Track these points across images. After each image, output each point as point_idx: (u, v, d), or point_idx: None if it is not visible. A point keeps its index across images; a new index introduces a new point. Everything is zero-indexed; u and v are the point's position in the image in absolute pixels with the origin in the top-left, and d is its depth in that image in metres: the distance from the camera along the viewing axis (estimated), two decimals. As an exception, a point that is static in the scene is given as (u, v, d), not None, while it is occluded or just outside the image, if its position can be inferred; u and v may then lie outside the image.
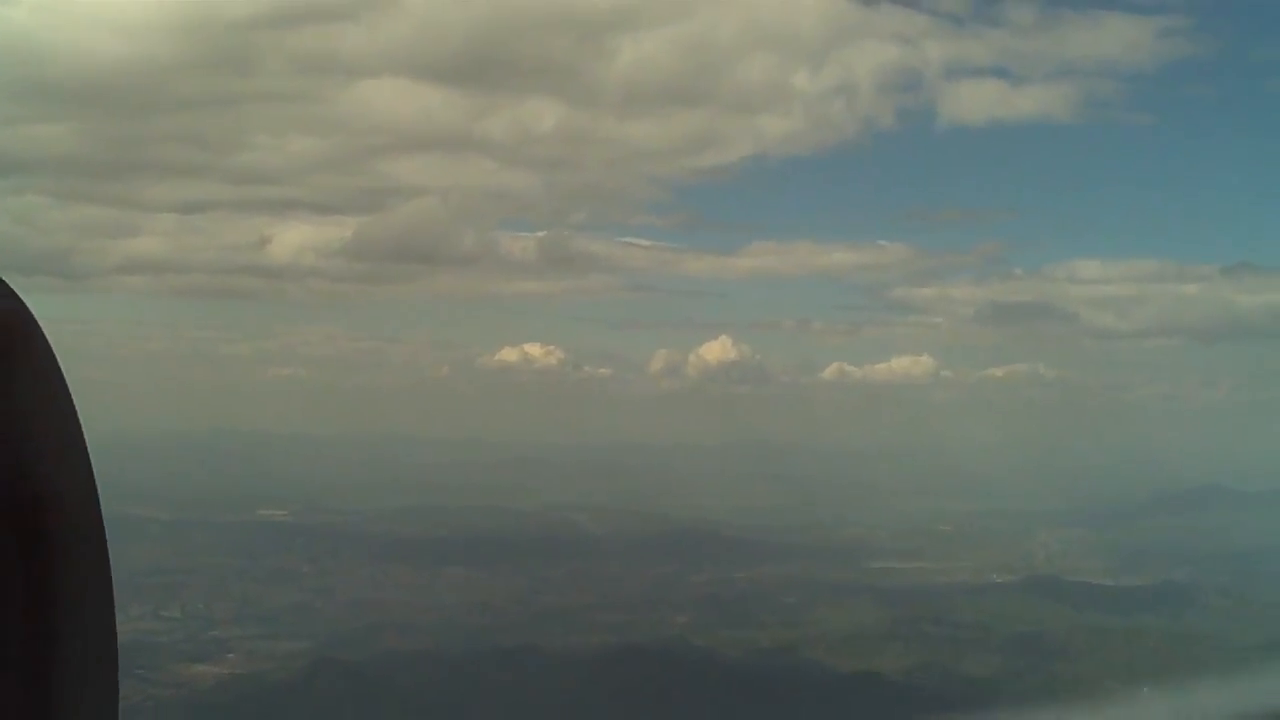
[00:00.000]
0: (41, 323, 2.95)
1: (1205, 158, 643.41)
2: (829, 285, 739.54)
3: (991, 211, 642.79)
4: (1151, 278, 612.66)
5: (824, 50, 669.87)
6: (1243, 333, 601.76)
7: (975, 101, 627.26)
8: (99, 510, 2.99)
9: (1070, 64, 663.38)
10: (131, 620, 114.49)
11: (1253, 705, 10.21)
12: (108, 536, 3.06)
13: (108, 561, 2.98)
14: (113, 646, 3.05)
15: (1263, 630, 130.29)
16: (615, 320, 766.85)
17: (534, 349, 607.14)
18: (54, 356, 2.88)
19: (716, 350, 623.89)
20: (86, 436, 3.01)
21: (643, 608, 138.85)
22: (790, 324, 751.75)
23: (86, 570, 2.92)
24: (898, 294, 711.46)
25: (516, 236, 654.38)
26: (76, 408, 2.94)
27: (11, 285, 2.92)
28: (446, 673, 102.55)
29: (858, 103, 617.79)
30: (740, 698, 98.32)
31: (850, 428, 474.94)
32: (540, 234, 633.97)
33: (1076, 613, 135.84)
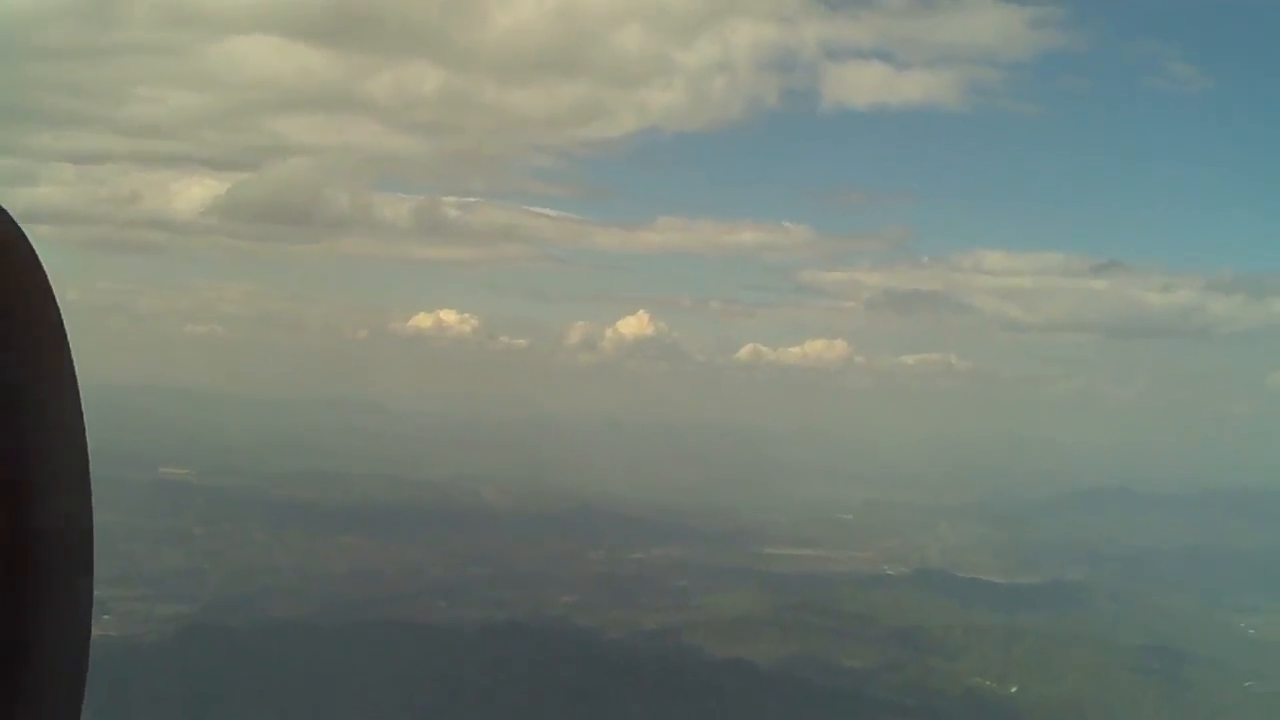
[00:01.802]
0: None
1: (1090, 151, 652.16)
2: (738, 264, 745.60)
3: (890, 196, 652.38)
4: (1056, 271, 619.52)
5: (699, 26, 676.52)
6: (1153, 331, 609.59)
7: (860, 84, 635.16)
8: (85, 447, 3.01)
9: (950, 50, 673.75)
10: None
11: None
12: None
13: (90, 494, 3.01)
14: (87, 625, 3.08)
15: (1143, 633, 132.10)
16: (528, 290, 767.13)
17: (449, 316, 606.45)
18: (46, 279, 2.91)
19: (633, 325, 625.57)
20: None
21: (534, 584, 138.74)
22: (704, 302, 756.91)
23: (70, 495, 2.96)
24: (807, 276, 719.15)
25: (422, 200, 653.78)
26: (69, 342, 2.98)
27: None
28: (321, 642, 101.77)
29: (741, 80, 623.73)
30: (611, 679, 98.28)
31: (763, 410, 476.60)
32: (448, 199, 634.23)
33: (963, 608, 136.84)
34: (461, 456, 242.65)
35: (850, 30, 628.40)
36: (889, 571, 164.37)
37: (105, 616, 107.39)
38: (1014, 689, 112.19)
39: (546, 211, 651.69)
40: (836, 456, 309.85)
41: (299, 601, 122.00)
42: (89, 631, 3.01)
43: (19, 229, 2.80)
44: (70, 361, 2.89)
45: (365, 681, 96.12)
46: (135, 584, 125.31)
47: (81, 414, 2.91)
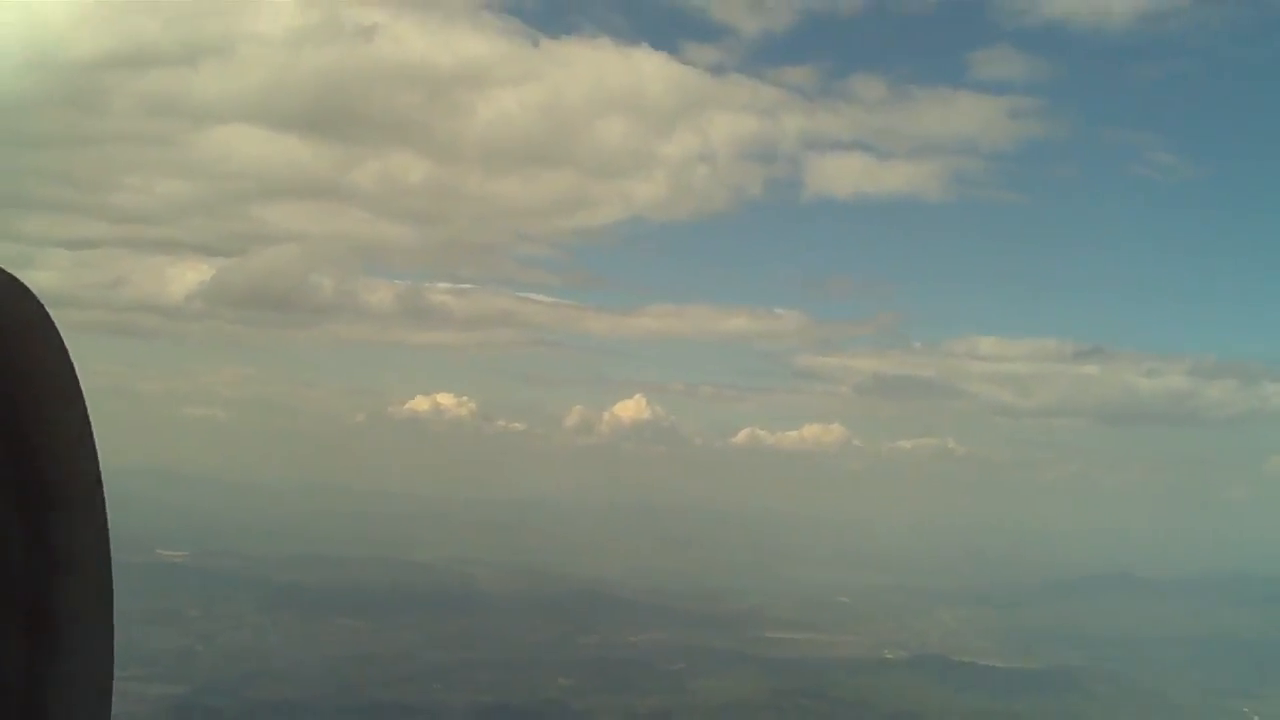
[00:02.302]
0: None
1: (1075, 238, 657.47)
2: (731, 349, 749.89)
3: (879, 283, 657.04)
4: (1045, 357, 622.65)
5: (679, 118, 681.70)
6: (1144, 416, 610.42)
7: (841, 174, 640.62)
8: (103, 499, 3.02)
9: (931, 141, 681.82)
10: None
11: None
12: None
13: (107, 532, 3.01)
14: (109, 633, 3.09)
15: (1139, 717, 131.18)
16: (524, 374, 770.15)
17: (446, 399, 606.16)
18: (61, 342, 2.91)
19: (631, 409, 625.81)
20: None
21: (528, 667, 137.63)
22: (700, 386, 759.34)
23: (87, 533, 2.96)
24: (801, 361, 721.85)
25: (414, 286, 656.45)
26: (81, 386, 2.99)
27: None
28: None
29: (722, 171, 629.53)
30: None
31: (761, 493, 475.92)
32: (441, 285, 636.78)
33: (957, 693, 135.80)
34: (458, 539, 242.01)
35: (829, 122, 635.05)
36: (887, 656, 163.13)
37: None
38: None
39: (539, 298, 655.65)
40: (835, 540, 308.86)
41: (290, 684, 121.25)
42: (110, 686, 3.04)
43: (39, 304, 2.83)
44: (91, 436, 2.91)
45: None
46: (128, 664, 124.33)
47: (101, 487, 2.94)
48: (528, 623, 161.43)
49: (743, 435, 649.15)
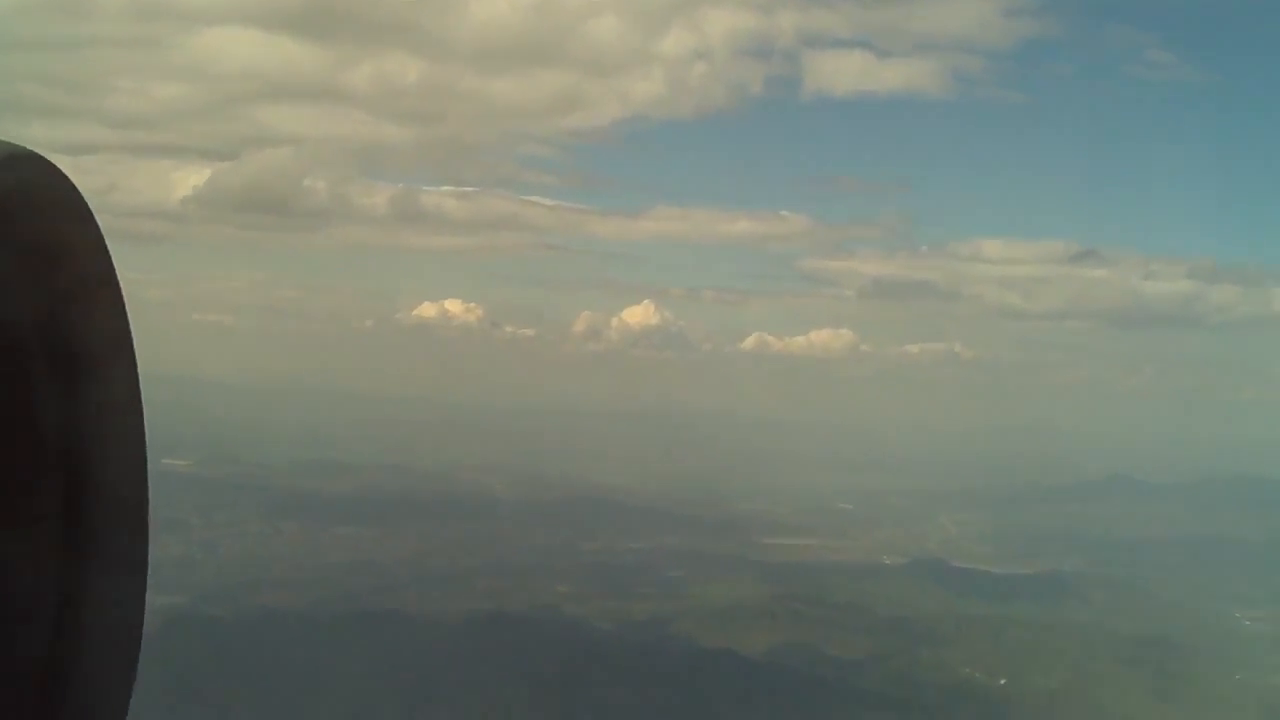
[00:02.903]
0: None
1: (1077, 138, 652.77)
2: (738, 252, 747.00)
3: (884, 184, 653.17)
4: (1050, 259, 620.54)
5: (673, 14, 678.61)
6: (1152, 319, 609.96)
7: (841, 72, 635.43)
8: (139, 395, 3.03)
9: (929, 39, 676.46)
10: None
11: None
12: None
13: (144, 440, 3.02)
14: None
15: (1137, 623, 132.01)
16: (529, 279, 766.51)
17: (454, 305, 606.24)
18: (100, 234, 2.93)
19: (639, 314, 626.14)
20: None
21: (527, 574, 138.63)
22: (708, 291, 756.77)
23: (124, 438, 2.97)
24: (808, 265, 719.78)
25: (417, 190, 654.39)
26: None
27: None
28: (306, 632, 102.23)
29: (721, 69, 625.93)
30: (595, 669, 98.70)
31: (769, 398, 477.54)
32: (445, 188, 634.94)
33: (956, 598, 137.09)
34: (466, 446, 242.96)
35: (826, 19, 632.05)
36: (885, 561, 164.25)
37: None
38: (1003, 680, 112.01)
39: (542, 200, 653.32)
40: (840, 445, 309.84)
41: (289, 591, 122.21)
42: (143, 599, 3.05)
43: (73, 185, 2.85)
44: (126, 319, 2.94)
45: (344, 672, 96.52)
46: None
47: (137, 375, 2.97)
48: (531, 530, 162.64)
49: (750, 340, 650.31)
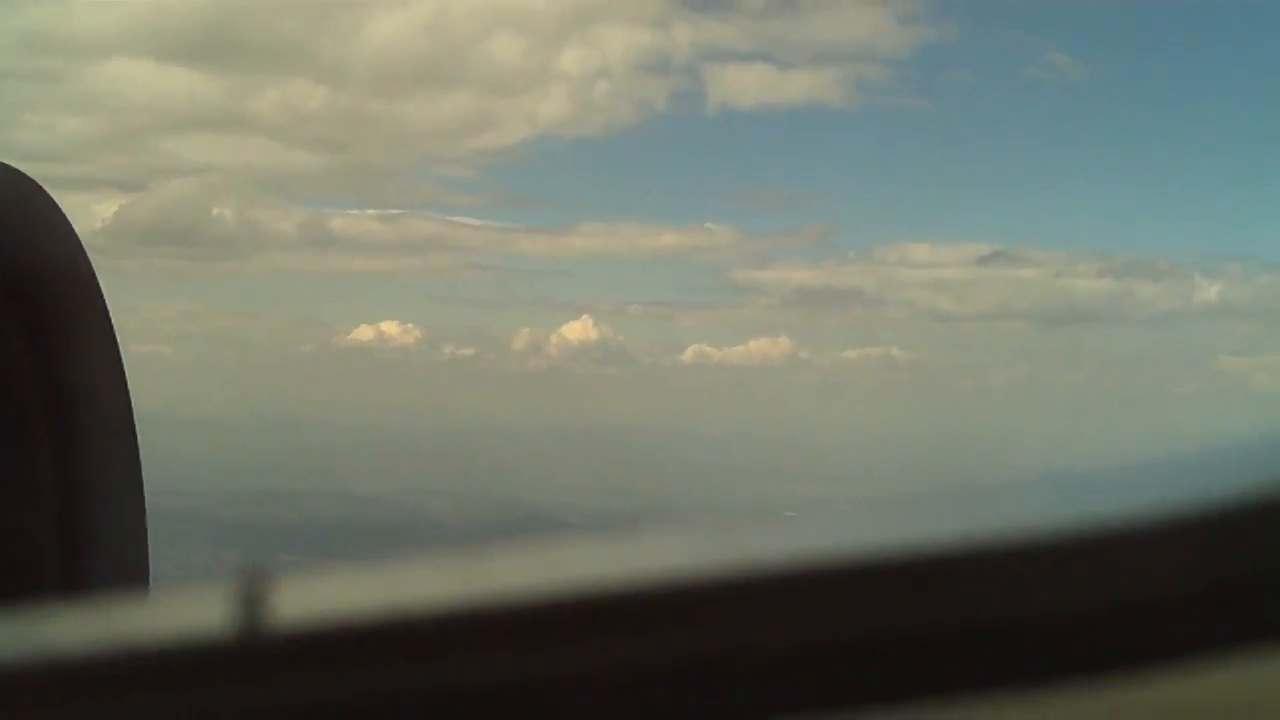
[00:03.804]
0: None
1: (985, 141, 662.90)
2: (668, 265, 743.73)
3: (803, 194, 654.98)
4: (976, 261, 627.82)
5: (568, 33, 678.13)
6: (1079, 316, 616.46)
7: (744, 85, 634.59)
8: (128, 399, 3.28)
9: (828, 50, 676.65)
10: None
11: None
12: None
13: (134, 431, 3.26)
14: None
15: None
16: (464, 299, 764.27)
17: (391, 328, 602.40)
18: (79, 244, 3.13)
19: (578, 330, 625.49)
20: None
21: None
22: (643, 305, 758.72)
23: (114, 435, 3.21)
24: (739, 276, 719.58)
25: (341, 214, 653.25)
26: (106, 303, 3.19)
27: None
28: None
29: (623, 86, 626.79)
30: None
31: (711, 410, 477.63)
32: (370, 212, 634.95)
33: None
34: (408, 469, 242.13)
35: (722, 32, 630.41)
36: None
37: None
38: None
39: (467, 220, 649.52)
40: (784, 453, 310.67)
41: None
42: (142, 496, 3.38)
43: (50, 198, 3.07)
44: (110, 327, 3.15)
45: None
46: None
47: (125, 380, 3.34)
48: (474, 550, 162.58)
49: (690, 352, 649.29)
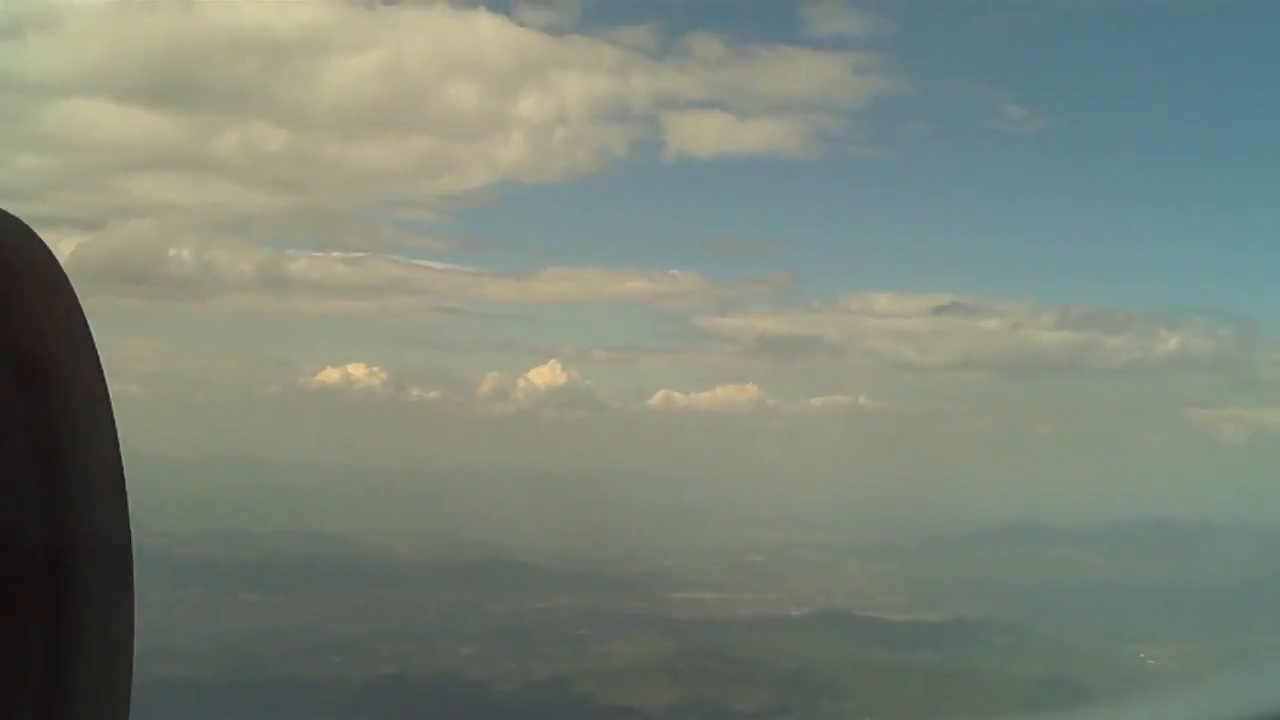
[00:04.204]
0: None
1: (949, 192, 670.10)
2: (633, 312, 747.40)
3: (765, 243, 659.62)
4: (940, 311, 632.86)
5: (527, 80, 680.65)
6: (1048, 368, 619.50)
7: (703, 134, 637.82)
8: (120, 460, 3.01)
9: (786, 99, 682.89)
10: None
11: None
12: None
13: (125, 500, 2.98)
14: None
15: (1039, 667, 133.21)
16: (430, 342, 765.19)
17: (357, 370, 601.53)
18: (75, 297, 2.87)
19: (546, 375, 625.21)
20: None
21: (432, 638, 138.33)
22: (609, 350, 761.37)
23: (106, 501, 2.94)
24: (705, 323, 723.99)
25: (307, 256, 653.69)
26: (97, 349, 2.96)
27: None
28: (204, 703, 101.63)
29: (582, 133, 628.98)
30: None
31: (679, 455, 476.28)
32: (333, 254, 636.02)
33: (859, 648, 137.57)
34: (374, 510, 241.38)
35: (679, 81, 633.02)
36: (793, 613, 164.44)
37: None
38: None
39: (432, 264, 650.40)
40: (751, 499, 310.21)
41: (188, 661, 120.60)
42: (132, 647, 3.08)
43: (48, 249, 2.82)
44: (100, 369, 2.94)
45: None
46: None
47: (114, 423, 3.01)
48: (438, 593, 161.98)
49: (658, 397, 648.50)
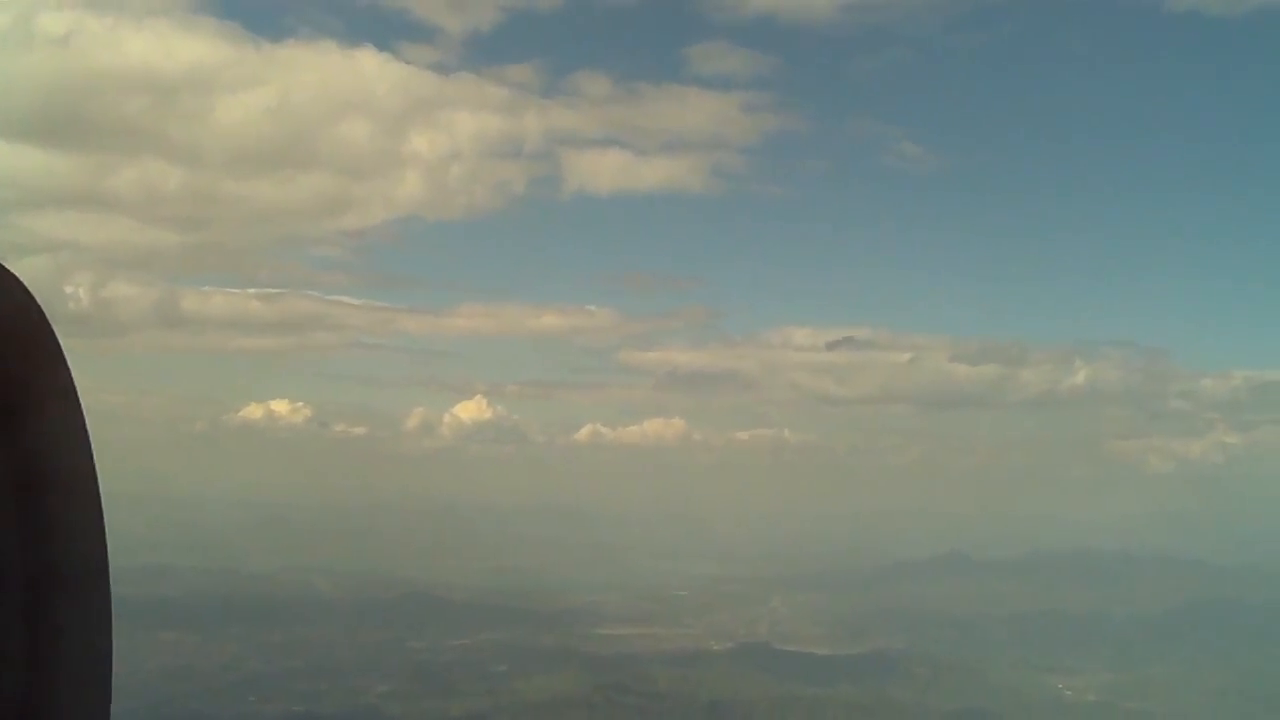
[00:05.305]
0: None
1: (851, 228, 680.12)
2: (553, 347, 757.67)
3: (677, 278, 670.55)
4: (848, 345, 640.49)
5: (418, 118, 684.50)
6: (966, 401, 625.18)
7: (602, 171, 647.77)
8: (98, 495, 3.05)
9: (682, 137, 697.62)
10: None
11: None
12: None
13: (104, 539, 3.02)
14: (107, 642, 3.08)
15: (956, 698, 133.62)
16: (351, 377, 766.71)
17: (280, 406, 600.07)
18: (57, 341, 2.91)
19: (472, 410, 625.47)
20: None
21: (349, 675, 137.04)
22: (533, 385, 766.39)
23: (84, 548, 2.97)
24: (625, 357, 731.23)
25: (222, 293, 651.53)
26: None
27: None
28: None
29: (478, 170, 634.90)
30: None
31: (605, 489, 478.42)
32: (249, 291, 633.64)
33: (778, 681, 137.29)
34: (296, 547, 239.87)
35: (570, 119, 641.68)
36: (714, 647, 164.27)
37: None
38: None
39: (350, 300, 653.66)
40: (678, 533, 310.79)
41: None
42: (110, 677, 3.04)
43: (31, 295, 2.83)
44: (82, 418, 2.93)
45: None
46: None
47: (95, 470, 2.96)
48: (357, 629, 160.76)
49: (584, 432, 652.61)
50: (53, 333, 3.03)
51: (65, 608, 3.10)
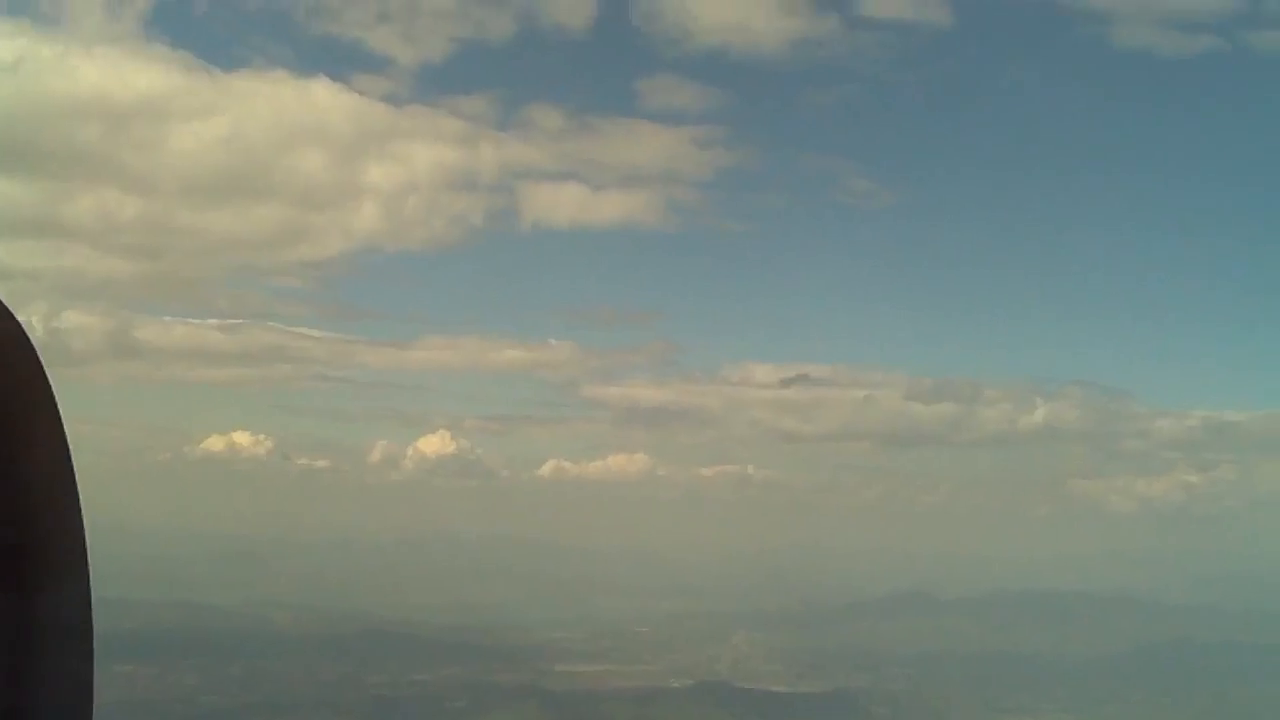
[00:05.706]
0: None
1: (810, 263, 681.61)
2: (515, 381, 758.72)
3: (638, 313, 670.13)
4: (824, 382, 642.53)
5: (372, 149, 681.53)
6: (927, 438, 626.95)
7: (559, 204, 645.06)
8: (82, 530, 3.06)
9: (638, 171, 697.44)
10: None
11: None
12: None
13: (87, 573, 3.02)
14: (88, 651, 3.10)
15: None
16: (313, 409, 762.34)
17: (242, 438, 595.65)
18: (44, 373, 2.93)
19: (435, 443, 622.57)
20: None
21: (306, 710, 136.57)
22: (495, 420, 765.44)
23: (67, 579, 2.98)
24: (588, 392, 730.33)
25: (183, 323, 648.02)
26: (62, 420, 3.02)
27: None
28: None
29: (434, 202, 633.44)
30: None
31: (569, 524, 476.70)
32: (210, 322, 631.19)
33: None
34: (257, 581, 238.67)
35: (524, 152, 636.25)
36: (674, 684, 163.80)
37: None
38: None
39: (311, 332, 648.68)
40: (641, 569, 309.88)
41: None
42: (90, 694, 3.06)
43: (15, 319, 2.85)
44: (68, 453, 2.95)
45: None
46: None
47: (79, 504, 2.98)
48: (317, 664, 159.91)
49: (548, 467, 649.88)
50: (31, 345, 3.07)
51: (47, 616, 3.13)
